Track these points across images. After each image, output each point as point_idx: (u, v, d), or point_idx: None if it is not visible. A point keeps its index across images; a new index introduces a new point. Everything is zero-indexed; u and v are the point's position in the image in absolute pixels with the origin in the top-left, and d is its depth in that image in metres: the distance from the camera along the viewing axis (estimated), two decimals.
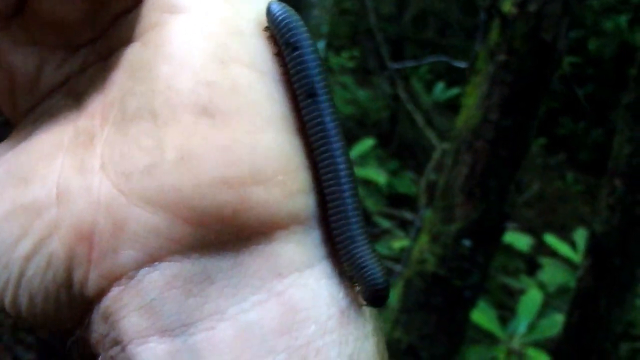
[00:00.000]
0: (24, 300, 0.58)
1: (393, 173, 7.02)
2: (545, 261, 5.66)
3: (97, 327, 0.57)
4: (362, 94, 8.27)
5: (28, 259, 0.57)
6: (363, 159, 6.34)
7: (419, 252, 3.17)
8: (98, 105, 0.60)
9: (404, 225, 6.38)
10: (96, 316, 0.57)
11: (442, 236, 3.08)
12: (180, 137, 0.55)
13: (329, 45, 7.18)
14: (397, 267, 4.38)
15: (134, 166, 0.55)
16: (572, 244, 5.55)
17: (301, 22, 0.59)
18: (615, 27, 8.26)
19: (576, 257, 5.24)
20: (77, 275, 0.56)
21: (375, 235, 5.92)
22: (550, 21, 2.83)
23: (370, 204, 6.18)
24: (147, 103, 0.56)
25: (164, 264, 0.55)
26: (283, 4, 0.59)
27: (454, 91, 7.71)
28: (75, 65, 0.63)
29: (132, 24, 0.60)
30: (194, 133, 0.54)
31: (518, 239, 5.78)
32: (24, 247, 0.57)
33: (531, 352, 4.29)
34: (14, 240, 0.57)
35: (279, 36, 0.58)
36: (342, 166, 0.58)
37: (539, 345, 4.37)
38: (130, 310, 0.55)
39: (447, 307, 3.14)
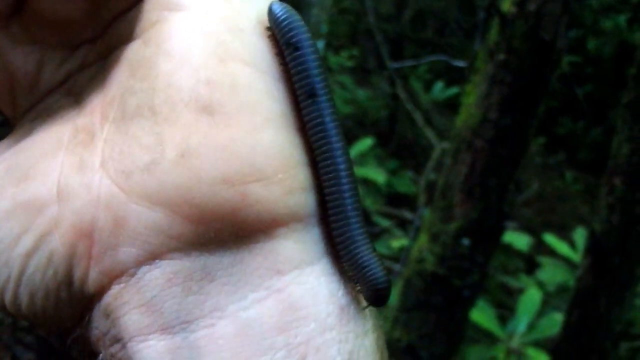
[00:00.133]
0: (24, 297, 0.58)
1: (392, 172, 7.03)
2: (545, 260, 5.66)
3: (98, 325, 0.57)
4: (361, 93, 8.27)
5: (28, 256, 0.57)
6: (362, 158, 6.35)
7: (418, 252, 3.17)
8: (98, 104, 0.60)
9: (403, 224, 6.38)
10: (96, 314, 0.57)
11: (441, 235, 3.08)
12: (181, 134, 0.55)
13: (328, 45, 7.18)
14: (397, 267, 4.38)
15: (134, 164, 0.55)
16: (572, 243, 5.55)
17: (302, 23, 0.59)
18: (615, 26, 8.26)
19: (575, 256, 5.25)
20: (78, 273, 0.56)
21: (375, 235, 5.92)
22: (550, 20, 2.83)
23: (370, 203, 6.18)
24: (147, 101, 0.56)
25: (164, 262, 0.55)
26: (284, 5, 0.60)
27: (453, 90, 7.72)
28: (75, 64, 0.63)
29: (132, 23, 0.60)
30: (194, 131, 0.55)
31: (517, 238, 5.78)
32: (25, 244, 0.57)
33: (530, 351, 4.30)
34: (14, 238, 0.57)
35: (280, 36, 0.59)
36: (342, 166, 0.58)
37: (539, 344, 4.37)
38: (130, 307, 0.55)
39: (447, 306, 3.14)
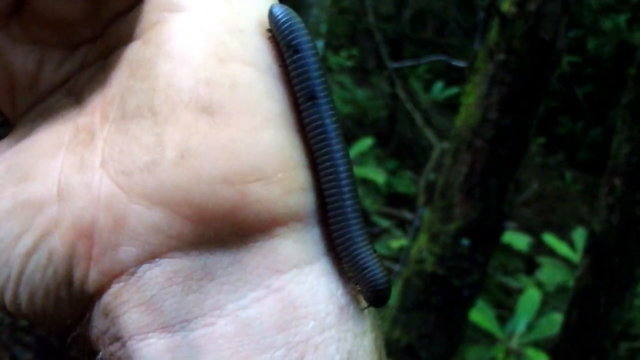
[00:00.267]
0: (24, 297, 0.58)
1: (392, 172, 7.03)
2: (544, 260, 5.67)
3: (97, 324, 0.57)
4: (360, 93, 8.28)
5: (28, 255, 0.57)
6: (362, 158, 6.36)
7: (417, 252, 3.17)
8: (98, 104, 0.60)
9: (402, 224, 6.38)
10: (96, 313, 0.57)
11: (441, 235, 3.08)
12: (180, 134, 0.55)
13: (328, 45, 7.18)
14: (396, 267, 4.38)
15: (134, 164, 0.55)
16: (571, 243, 5.56)
17: (303, 25, 0.60)
18: (614, 26, 8.27)
19: (575, 256, 5.25)
20: (78, 272, 0.56)
21: (374, 235, 5.92)
22: (550, 20, 2.84)
23: (369, 203, 6.19)
24: (147, 101, 0.56)
25: (164, 261, 0.55)
26: (285, 7, 0.60)
27: (453, 90, 7.72)
28: (75, 64, 0.63)
29: (132, 23, 0.60)
30: (194, 131, 0.55)
31: (517, 239, 5.79)
32: (25, 243, 0.57)
33: (530, 351, 4.30)
34: (14, 237, 0.57)
35: (280, 38, 0.59)
36: (342, 168, 0.59)
37: (538, 344, 4.38)
38: (130, 306, 0.55)
39: (446, 306, 3.14)
